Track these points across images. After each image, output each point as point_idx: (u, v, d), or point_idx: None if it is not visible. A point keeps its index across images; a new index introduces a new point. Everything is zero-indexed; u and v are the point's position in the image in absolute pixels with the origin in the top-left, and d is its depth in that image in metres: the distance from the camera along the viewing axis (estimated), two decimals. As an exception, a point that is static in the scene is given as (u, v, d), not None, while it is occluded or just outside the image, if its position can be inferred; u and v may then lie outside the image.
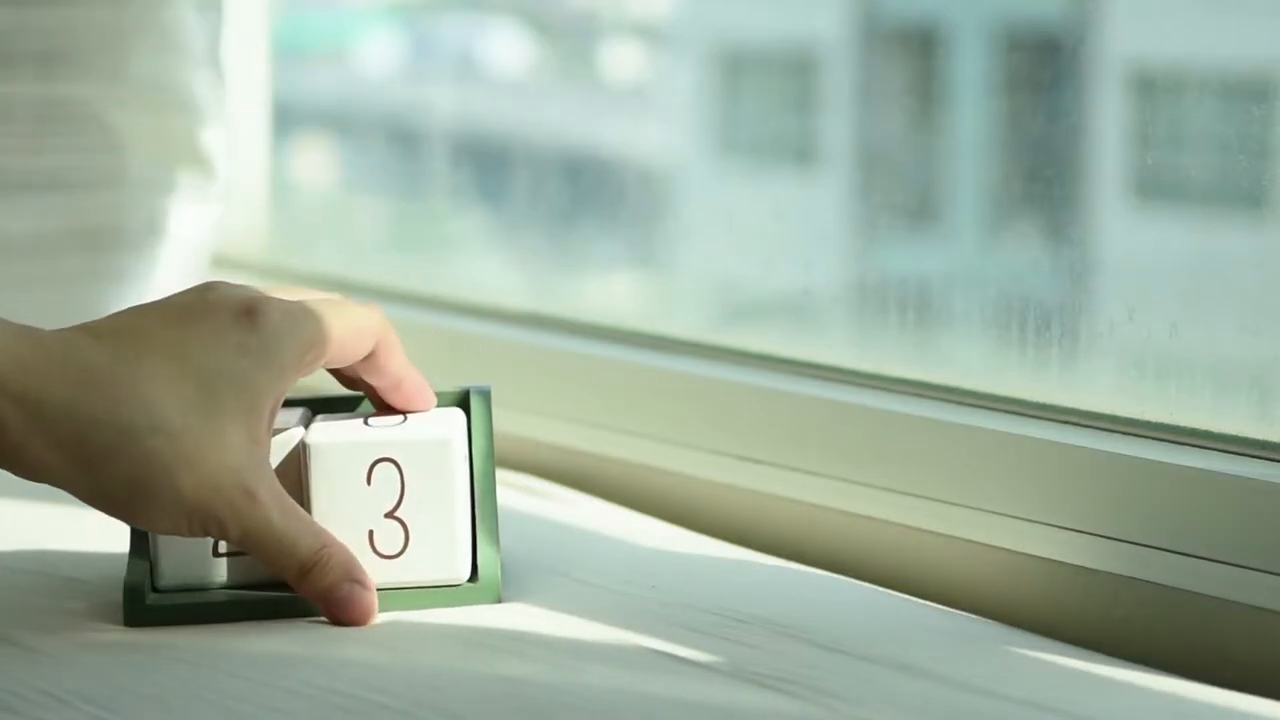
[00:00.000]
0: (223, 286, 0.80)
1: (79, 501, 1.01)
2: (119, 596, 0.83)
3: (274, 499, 0.79)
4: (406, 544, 0.83)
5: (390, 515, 0.82)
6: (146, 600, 0.82)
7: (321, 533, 0.81)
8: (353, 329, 0.82)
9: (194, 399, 0.77)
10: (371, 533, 0.82)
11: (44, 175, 1.23)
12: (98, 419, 0.76)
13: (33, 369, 0.75)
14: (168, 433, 0.76)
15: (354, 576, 0.81)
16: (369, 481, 0.82)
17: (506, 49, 1.80)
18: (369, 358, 0.83)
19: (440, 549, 0.83)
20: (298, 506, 0.81)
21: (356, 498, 0.82)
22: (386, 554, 0.83)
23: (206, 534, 0.79)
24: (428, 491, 0.82)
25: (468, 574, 0.84)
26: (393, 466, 0.82)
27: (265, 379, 0.79)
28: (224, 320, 0.79)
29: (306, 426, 0.84)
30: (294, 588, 0.81)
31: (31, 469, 0.77)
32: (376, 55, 1.95)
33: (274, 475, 0.80)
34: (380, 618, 0.82)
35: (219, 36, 1.30)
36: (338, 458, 0.82)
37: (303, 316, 0.80)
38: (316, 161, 1.85)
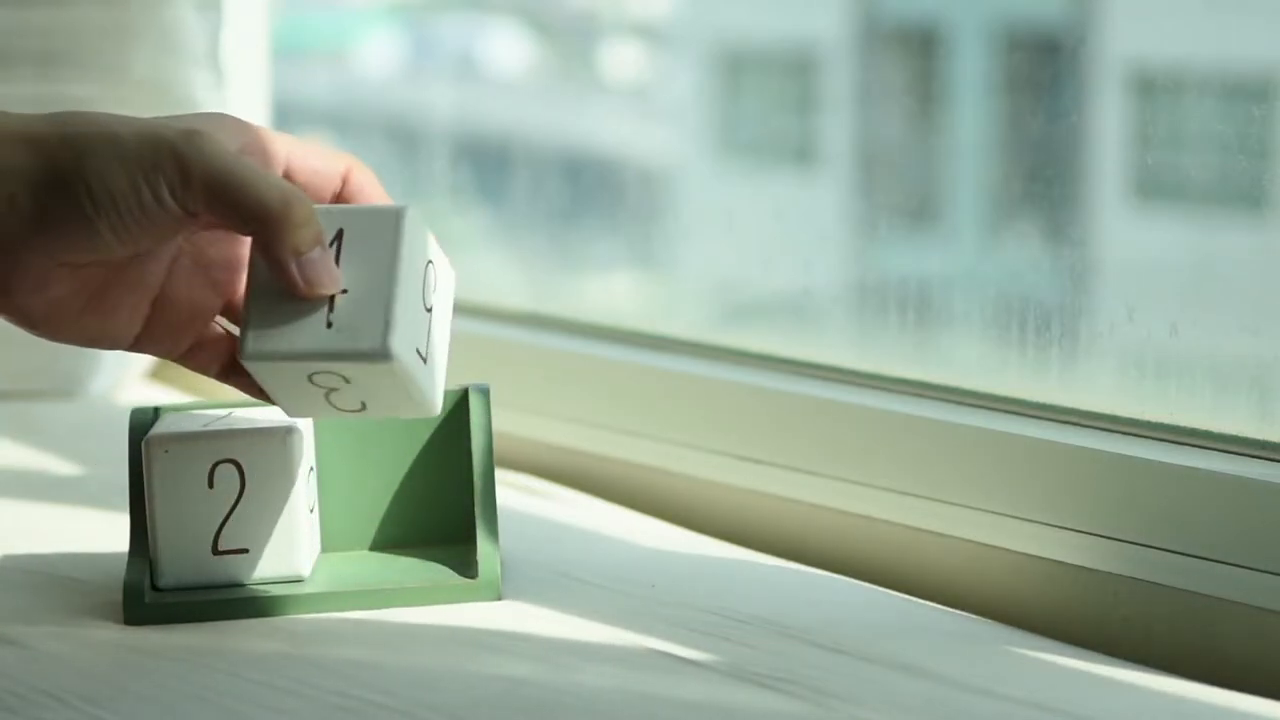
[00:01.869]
0: None
1: (79, 502, 1.02)
2: (119, 596, 0.82)
3: (228, 146, 0.77)
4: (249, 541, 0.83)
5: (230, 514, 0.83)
6: (146, 599, 0.82)
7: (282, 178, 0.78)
8: (313, 142, 0.81)
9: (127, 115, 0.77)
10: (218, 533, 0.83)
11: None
12: (32, 117, 0.76)
13: None
14: (103, 108, 0.76)
15: (322, 239, 0.77)
16: (210, 484, 0.83)
17: (506, 49, 1.80)
18: (347, 189, 0.81)
19: (280, 546, 0.83)
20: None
21: (199, 497, 0.82)
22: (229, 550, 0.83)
23: (168, 184, 0.75)
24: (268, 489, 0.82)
25: (308, 571, 0.84)
26: (233, 466, 0.82)
27: (204, 120, 0.78)
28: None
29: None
30: (263, 238, 0.76)
31: None
32: (376, 55, 1.95)
33: None
34: (380, 617, 0.82)
35: (219, 36, 1.30)
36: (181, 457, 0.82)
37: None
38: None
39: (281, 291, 0.76)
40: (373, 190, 0.82)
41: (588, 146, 1.60)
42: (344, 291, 0.76)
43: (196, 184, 0.75)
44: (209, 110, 0.81)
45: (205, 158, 0.75)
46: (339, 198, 0.81)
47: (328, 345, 0.76)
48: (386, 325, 0.76)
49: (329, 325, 0.76)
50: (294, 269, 0.76)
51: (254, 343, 0.76)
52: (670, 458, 1.08)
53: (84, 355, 1.27)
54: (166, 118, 0.78)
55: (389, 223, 0.77)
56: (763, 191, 1.40)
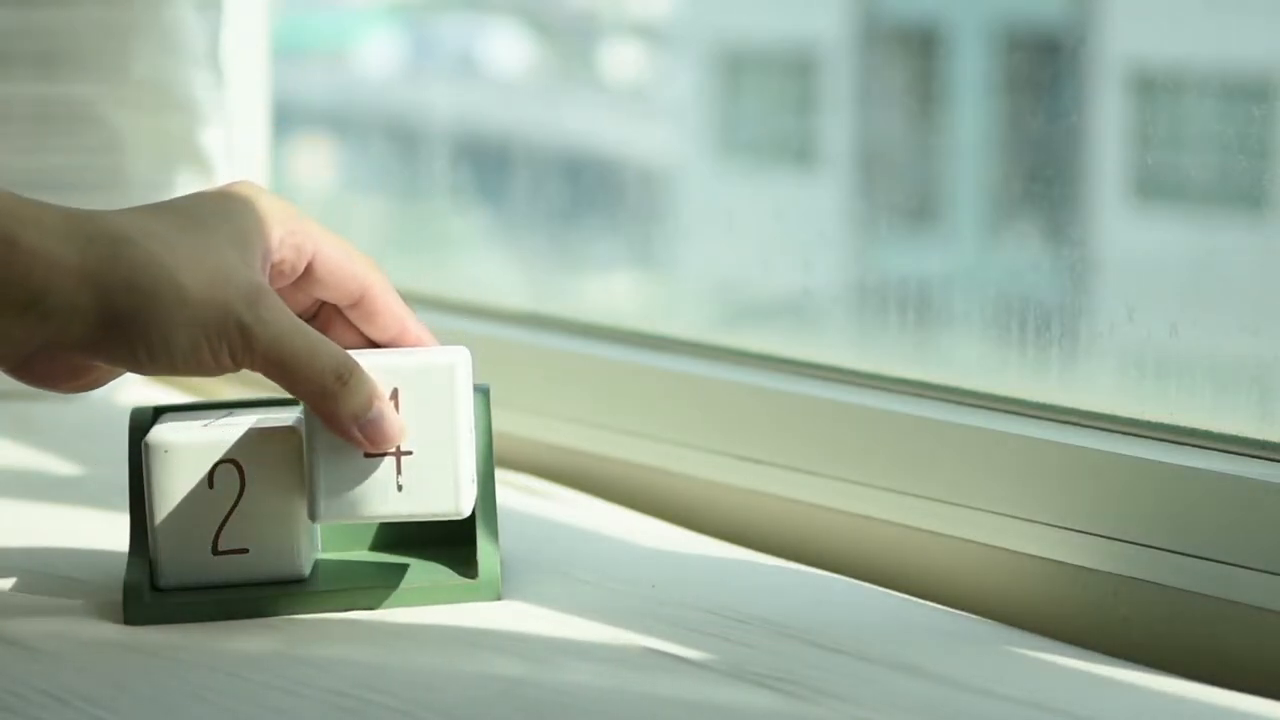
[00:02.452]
0: None
1: (79, 502, 1.01)
2: (119, 596, 0.83)
3: (286, 308, 0.78)
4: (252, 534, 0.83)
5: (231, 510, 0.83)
6: (146, 599, 0.82)
7: (338, 346, 0.80)
8: (340, 241, 0.83)
9: (184, 223, 0.78)
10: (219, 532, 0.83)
11: (44, 175, 1.23)
12: (95, 230, 0.76)
13: (31, 205, 0.76)
14: (163, 239, 0.77)
15: (379, 394, 0.80)
16: (210, 484, 0.83)
17: (506, 49, 1.80)
18: (366, 302, 0.83)
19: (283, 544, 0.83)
20: None
21: (198, 498, 0.83)
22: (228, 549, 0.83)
23: (229, 349, 0.77)
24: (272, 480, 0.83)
25: (308, 570, 0.84)
26: (233, 466, 0.83)
27: (251, 220, 0.80)
28: (210, 190, 0.82)
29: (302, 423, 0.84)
30: (321, 410, 0.79)
31: (40, 290, 0.75)
32: (376, 55, 1.95)
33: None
34: (380, 617, 0.82)
35: (218, 36, 1.30)
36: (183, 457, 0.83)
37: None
38: (316, 161, 1.85)
39: (345, 447, 0.80)
40: (395, 306, 0.84)
41: (588, 146, 1.60)
42: (409, 453, 0.80)
43: (258, 355, 0.78)
44: (236, 182, 0.83)
45: (268, 330, 0.77)
46: (356, 305, 0.84)
47: (400, 509, 0.81)
48: (457, 487, 0.81)
49: (399, 489, 0.81)
50: (356, 433, 0.79)
51: (326, 507, 0.81)
52: (670, 458, 1.08)
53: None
54: (224, 248, 0.78)
55: (443, 379, 0.81)
56: (763, 191, 1.40)
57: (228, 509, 0.83)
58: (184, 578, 0.83)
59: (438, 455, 0.81)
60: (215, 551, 0.83)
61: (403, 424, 0.80)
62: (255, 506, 0.83)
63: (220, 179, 1.29)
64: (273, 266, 0.81)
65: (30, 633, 0.80)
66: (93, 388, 0.81)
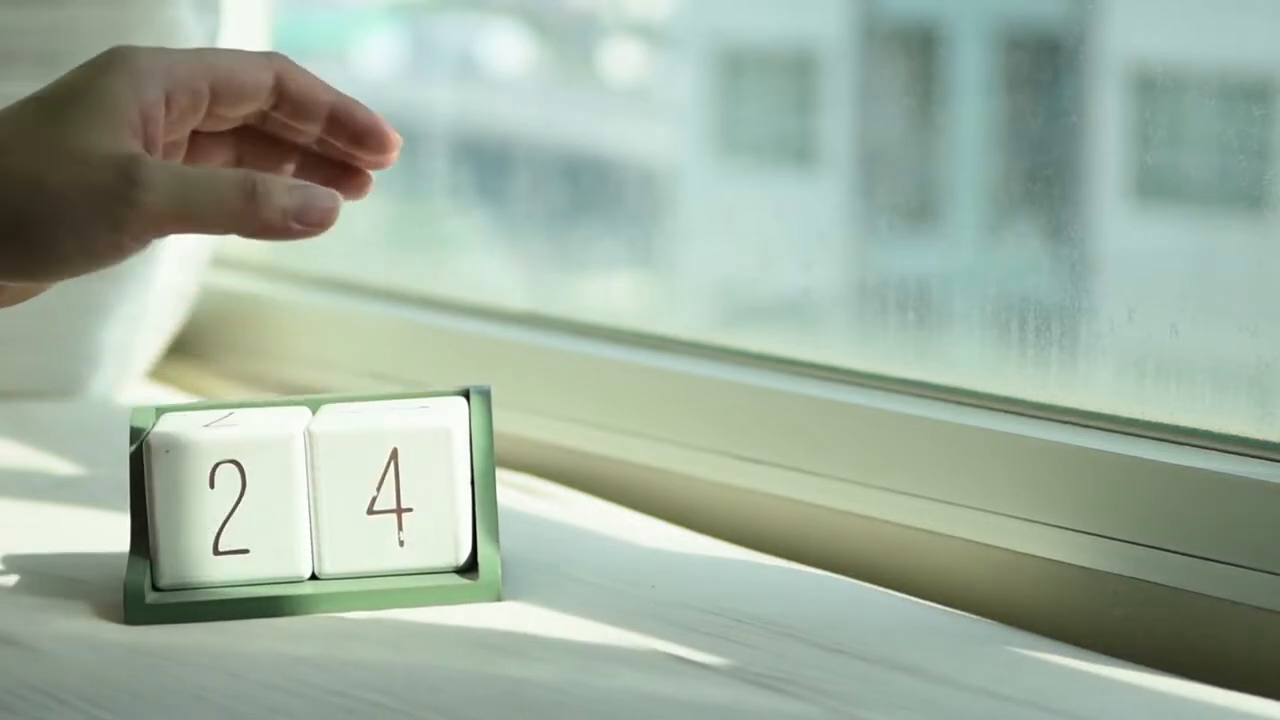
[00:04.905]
0: None
1: (79, 502, 1.02)
2: (119, 596, 0.83)
3: (165, 163, 0.74)
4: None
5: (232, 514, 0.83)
6: (146, 599, 0.82)
7: (229, 170, 0.75)
8: (234, 52, 0.78)
9: (45, 114, 0.73)
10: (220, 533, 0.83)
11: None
12: None
13: None
14: (28, 140, 0.73)
15: (293, 181, 0.75)
16: (211, 484, 0.83)
17: (506, 49, 1.80)
18: (283, 97, 0.78)
19: (282, 547, 0.83)
20: None
21: (202, 498, 0.83)
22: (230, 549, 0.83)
23: (126, 230, 0.72)
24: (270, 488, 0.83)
25: (307, 573, 0.84)
26: (234, 467, 0.83)
27: (119, 86, 0.74)
28: (79, 66, 0.76)
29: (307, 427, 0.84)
30: (252, 232, 0.74)
31: None
32: (376, 55, 1.95)
33: None
34: (380, 617, 0.82)
35: (217, 37, 1.30)
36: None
37: (168, 46, 0.76)
38: (316, 161, 1.84)
39: (346, 504, 0.83)
40: (308, 89, 0.79)
41: (588, 146, 1.60)
42: (409, 510, 0.83)
43: (157, 222, 0.73)
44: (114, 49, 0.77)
45: (154, 194, 0.72)
46: (280, 98, 0.79)
47: (403, 564, 0.84)
48: (456, 540, 0.84)
49: (401, 544, 0.84)
50: (296, 226, 0.75)
51: (331, 563, 0.84)
52: (670, 458, 1.08)
53: (84, 355, 1.27)
54: (87, 130, 0.73)
55: (441, 440, 0.84)
56: (763, 191, 1.40)
57: (229, 509, 0.83)
58: (184, 578, 0.83)
59: (437, 511, 0.84)
60: (216, 552, 0.83)
61: (333, 191, 0.76)
62: (256, 507, 0.83)
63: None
64: (167, 116, 0.76)
65: (30, 633, 0.80)
66: (4, 306, 0.77)
